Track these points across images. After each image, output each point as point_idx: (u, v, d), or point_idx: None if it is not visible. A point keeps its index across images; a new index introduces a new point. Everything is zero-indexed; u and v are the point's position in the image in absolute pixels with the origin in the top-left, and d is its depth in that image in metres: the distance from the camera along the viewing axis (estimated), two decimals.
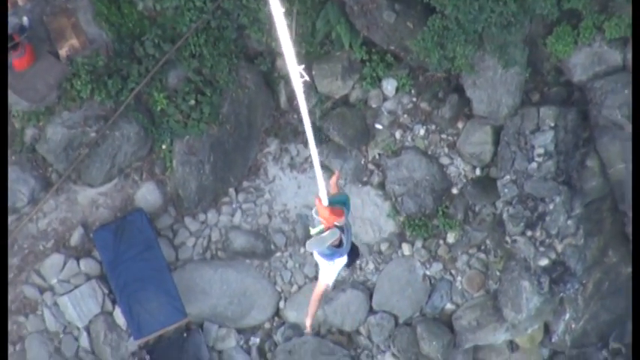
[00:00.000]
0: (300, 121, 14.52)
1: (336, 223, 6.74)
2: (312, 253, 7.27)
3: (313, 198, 6.73)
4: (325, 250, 6.89)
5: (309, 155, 14.48)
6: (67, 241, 13.87)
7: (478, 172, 14.50)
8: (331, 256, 7.02)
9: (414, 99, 14.44)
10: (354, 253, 7.43)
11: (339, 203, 6.91)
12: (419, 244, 14.24)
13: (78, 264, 13.75)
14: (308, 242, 6.85)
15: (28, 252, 13.80)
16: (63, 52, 13.82)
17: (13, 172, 13.66)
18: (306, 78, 4.90)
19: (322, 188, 6.26)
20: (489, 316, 13.91)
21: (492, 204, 14.30)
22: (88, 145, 13.79)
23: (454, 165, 14.48)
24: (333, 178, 8.21)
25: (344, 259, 7.23)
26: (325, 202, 6.56)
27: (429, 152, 14.44)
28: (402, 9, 13.93)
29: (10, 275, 13.74)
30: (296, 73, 4.62)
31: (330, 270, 7.31)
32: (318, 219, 6.78)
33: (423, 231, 14.17)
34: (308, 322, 7.95)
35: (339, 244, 6.90)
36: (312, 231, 6.90)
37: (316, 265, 14.11)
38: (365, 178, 14.47)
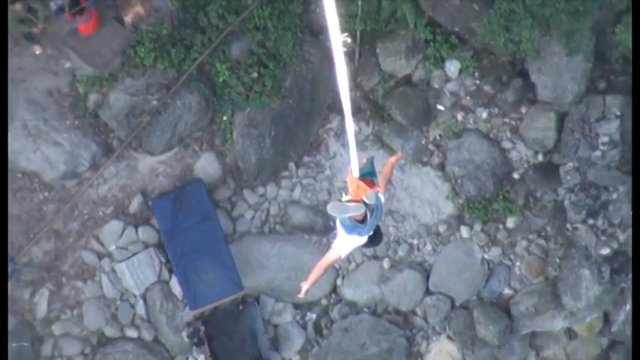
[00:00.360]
0: (363, 97, 14.50)
1: (365, 200, 6.53)
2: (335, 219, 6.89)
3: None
4: (346, 220, 6.71)
5: (371, 133, 14.41)
6: (127, 208, 13.91)
7: (540, 157, 14.35)
8: (350, 229, 6.81)
9: (478, 81, 14.31)
10: (375, 239, 7.22)
11: (368, 175, 6.69)
12: (478, 227, 14.13)
13: (136, 231, 13.78)
14: (330, 204, 6.62)
15: (88, 217, 13.86)
16: (128, 18, 13.81)
17: (75, 137, 13.73)
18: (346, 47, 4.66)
19: (354, 159, 6.02)
20: (548, 303, 13.77)
21: (554, 190, 14.16)
22: (150, 112, 13.80)
23: (516, 150, 14.34)
24: (393, 158, 8.05)
25: (362, 240, 7.01)
26: (356, 173, 6.39)
27: (491, 136, 14.31)
28: None
29: (70, 240, 13.83)
30: (338, 45, 4.47)
31: (346, 243, 7.04)
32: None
33: (482, 214, 14.05)
34: (305, 288, 7.44)
35: (363, 221, 6.72)
36: (343, 198, 6.70)
37: None
38: (425, 159, 14.36)
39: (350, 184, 6.49)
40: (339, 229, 6.93)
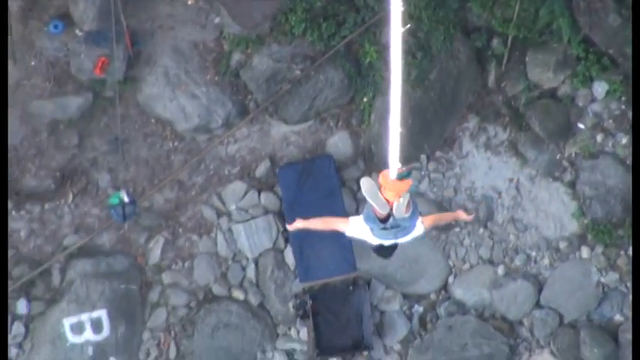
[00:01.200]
0: (504, 102, 14.45)
1: (393, 208, 6.35)
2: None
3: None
4: (369, 207, 6.55)
5: (506, 139, 14.34)
6: (252, 172, 13.92)
7: None
8: (367, 217, 6.68)
9: (623, 106, 14.17)
10: (384, 252, 7.14)
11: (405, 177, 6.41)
12: (599, 249, 14.01)
13: (258, 196, 13.79)
14: (367, 179, 6.48)
15: (213, 173, 13.90)
16: None
17: (213, 93, 13.77)
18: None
19: (395, 160, 5.95)
20: None
21: None
22: (291, 81, 13.80)
23: None
24: (462, 214, 7.94)
25: (372, 239, 6.89)
26: (392, 176, 6.22)
27: (627, 162, 14.19)
28: (628, 14, 13.68)
29: (192, 193, 13.88)
30: (398, 38, 4.35)
31: (358, 227, 6.88)
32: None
33: (605, 238, 13.93)
34: (295, 224, 7.32)
35: (384, 221, 6.58)
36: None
37: (492, 247, 14.02)
38: (557, 174, 14.24)
39: (382, 180, 6.34)
40: (365, 209, 6.79)
